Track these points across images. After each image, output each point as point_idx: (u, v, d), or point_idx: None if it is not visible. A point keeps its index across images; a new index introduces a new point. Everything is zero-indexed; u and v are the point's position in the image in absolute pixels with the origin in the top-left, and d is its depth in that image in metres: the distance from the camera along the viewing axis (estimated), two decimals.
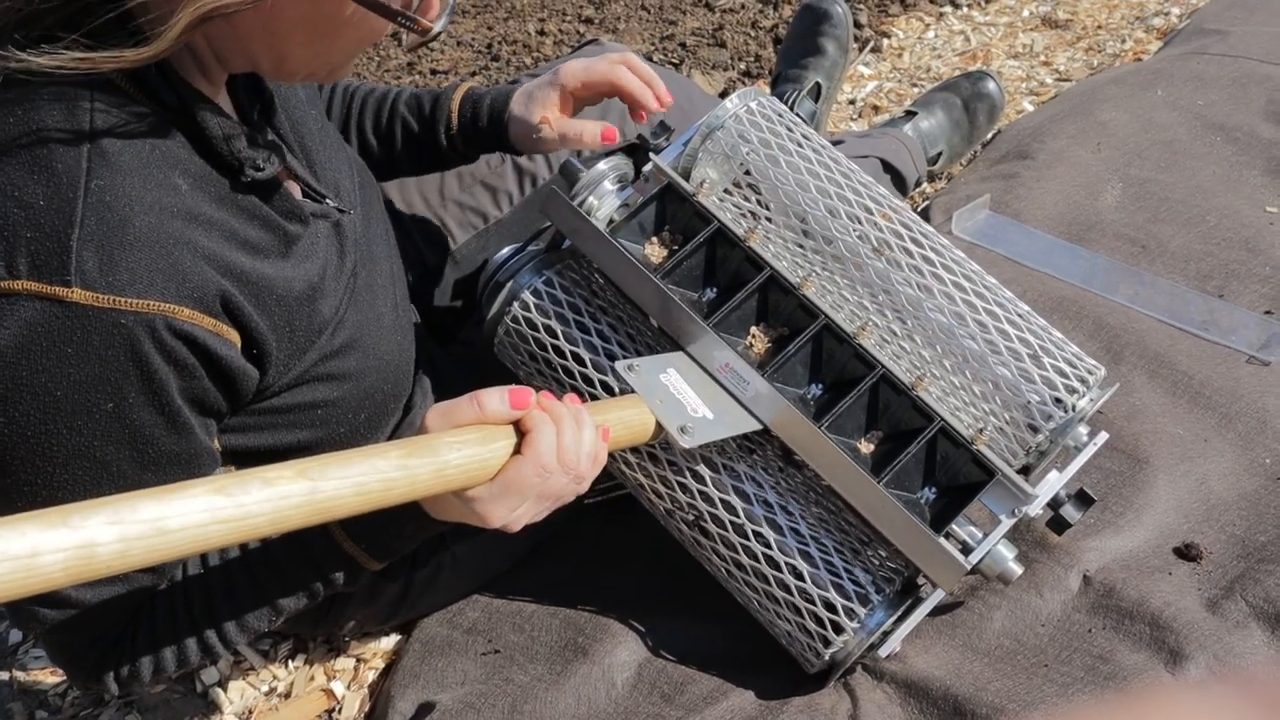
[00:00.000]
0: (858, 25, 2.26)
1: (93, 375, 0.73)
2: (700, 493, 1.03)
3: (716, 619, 1.13)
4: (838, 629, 0.99)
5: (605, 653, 1.10)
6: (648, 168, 1.11)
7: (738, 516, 1.02)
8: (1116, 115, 1.74)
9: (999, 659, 1.05)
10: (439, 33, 0.78)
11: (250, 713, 1.19)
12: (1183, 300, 1.42)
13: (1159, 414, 1.26)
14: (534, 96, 1.15)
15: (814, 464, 1.00)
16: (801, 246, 1.06)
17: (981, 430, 0.98)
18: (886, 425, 1.02)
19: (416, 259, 1.31)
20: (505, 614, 1.18)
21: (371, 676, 1.20)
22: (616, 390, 1.04)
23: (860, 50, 2.21)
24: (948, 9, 2.32)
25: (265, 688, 1.21)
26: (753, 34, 2.29)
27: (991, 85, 1.80)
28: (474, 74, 2.30)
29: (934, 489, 1.00)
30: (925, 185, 1.80)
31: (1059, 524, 1.07)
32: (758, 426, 1.01)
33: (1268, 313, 1.38)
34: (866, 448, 1.01)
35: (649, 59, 2.15)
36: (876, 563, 1.02)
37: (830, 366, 1.03)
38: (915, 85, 2.08)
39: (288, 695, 1.20)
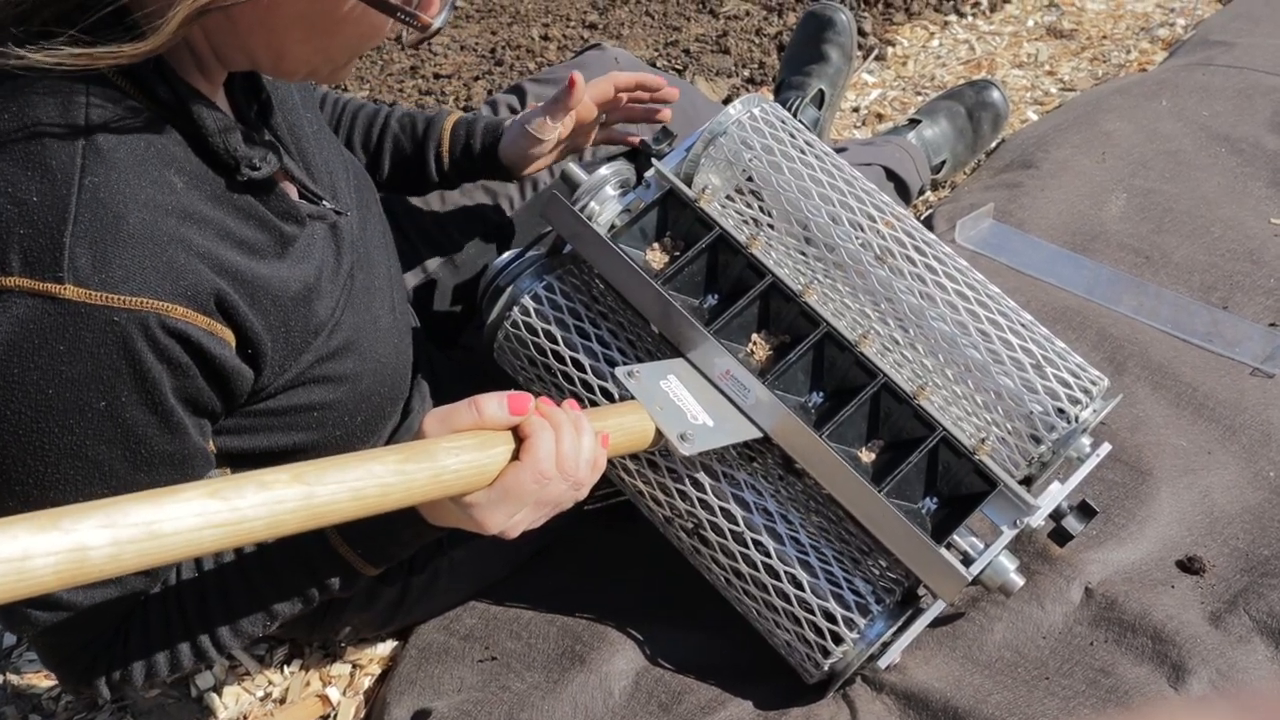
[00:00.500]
0: (862, 33, 2.25)
1: (85, 373, 0.73)
2: (699, 500, 1.02)
3: (715, 628, 1.12)
4: (837, 639, 0.98)
5: (603, 661, 1.09)
6: (649, 173, 1.10)
7: (737, 525, 1.01)
8: (1121, 125, 1.74)
9: (1000, 671, 1.04)
10: (439, 28, 0.78)
11: (245, 718, 1.18)
12: (1187, 311, 1.41)
13: (1162, 426, 1.26)
14: (529, 118, 1.18)
15: (814, 472, 0.99)
16: (803, 254, 1.05)
17: (983, 440, 0.98)
18: (888, 434, 1.01)
19: (416, 263, 1.31)
20: (503, 621, 1.17)
21: (367, 683, 1.19)
22: (616, 396, 1.03)
23: (864, 58, 2.21)
24: (952, 18, 2.32)
25: (260, 693, 1.20)
26: (757, 41, 2.29)
27: (996, 94, 1.79)
28: (477, 79, 2.30)
29: (935, 499, 0.99)
30: (929, 194, 1.79)
31: (1061, 535, 1.06)
32: (758, 434, 1.00)
33: (1272, 325, 1.38)
34: (867, 457, 1.01)
35: (653, 65, 2.15)
36: (877, 573, 1.01)
37: (832, 375, 1.02)
38: (919, 94, 2.08)
39: (283, 701, 1.19)
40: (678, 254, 1.08)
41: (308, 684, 1.20)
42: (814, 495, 1.04)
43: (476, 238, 1.34)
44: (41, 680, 1.24)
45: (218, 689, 1.20)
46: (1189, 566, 1.10)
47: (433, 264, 1.32)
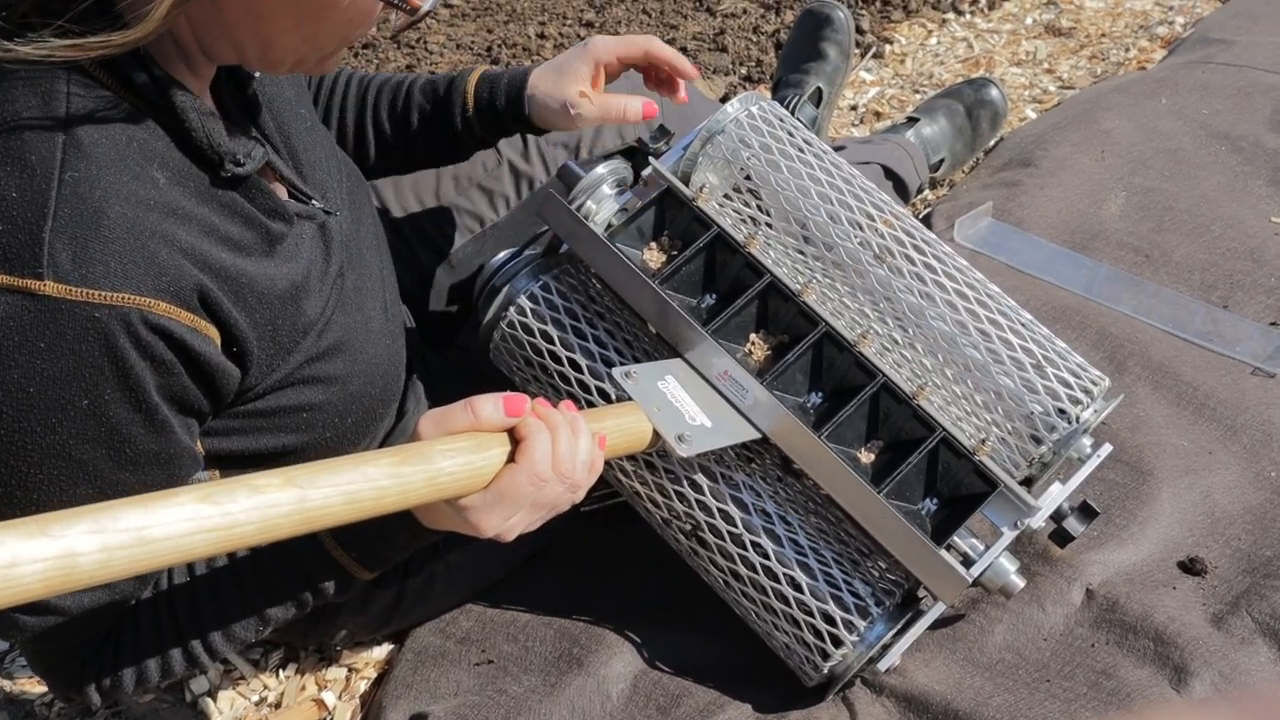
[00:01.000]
0: (860, 31, 2.24)
1: (66, 371, 0.72)
2: (698, 502, 1.01)
3: (714, 630, 1.11)
4: (837, 642, 0.97)
5: (600, 664, 1.08)
6: (647, 172, 1.09)
7: (735, 526, 1.00)
8: (1120, 124, 1.73)
9: (1000, 673, 1.03)
10: (428, 12, 0.77)
11: None
12: (1187, 310, 1.40)
13: (1163, 426, 1.25)
14: (564, 70, 1.11)
15: (813, 473, 0.98)
16: (802, 253, 1.05)
17: (984, 441, 0.97)
18: (887, 435, 1.00)
19: (412, 263, 1.30)
20: (499, 624, 1.16)
21: (363, 686, 1.18)
22: (614, 397, 1.02)
23: (862, 56, 2.20)
24: (951, 15, 2.31)
25: (255, 697, 1.19)
26: (754, 39, 2.28)
27: (994, 92, 1.79)
28: None
29: (935, 500, 0.98)
30: (927, 192, 1.78)
31: (1062, 537, 1.06)
32: (756, 435, 0.99)
33: (1273, 324, 1.37)
34: (867, 457, 1.00)
35: None
36: (876, 574, 1.00)
37: (830, 375, 1.02)
38: (918, 92, 2.07)
39: (278, 705, 1.18)
40: (675, 253, 1.07)
41: (303, 688, 1.19)
42: (813, 496, 1.04)
43: (472, 237, 1.33)
44: (35, 685, 1.23)
45: (212, 693, 1.19)
46: (1190, 568, 1.09)
47: (428, 263, 1.31)
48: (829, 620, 0.97)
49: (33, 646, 0.85)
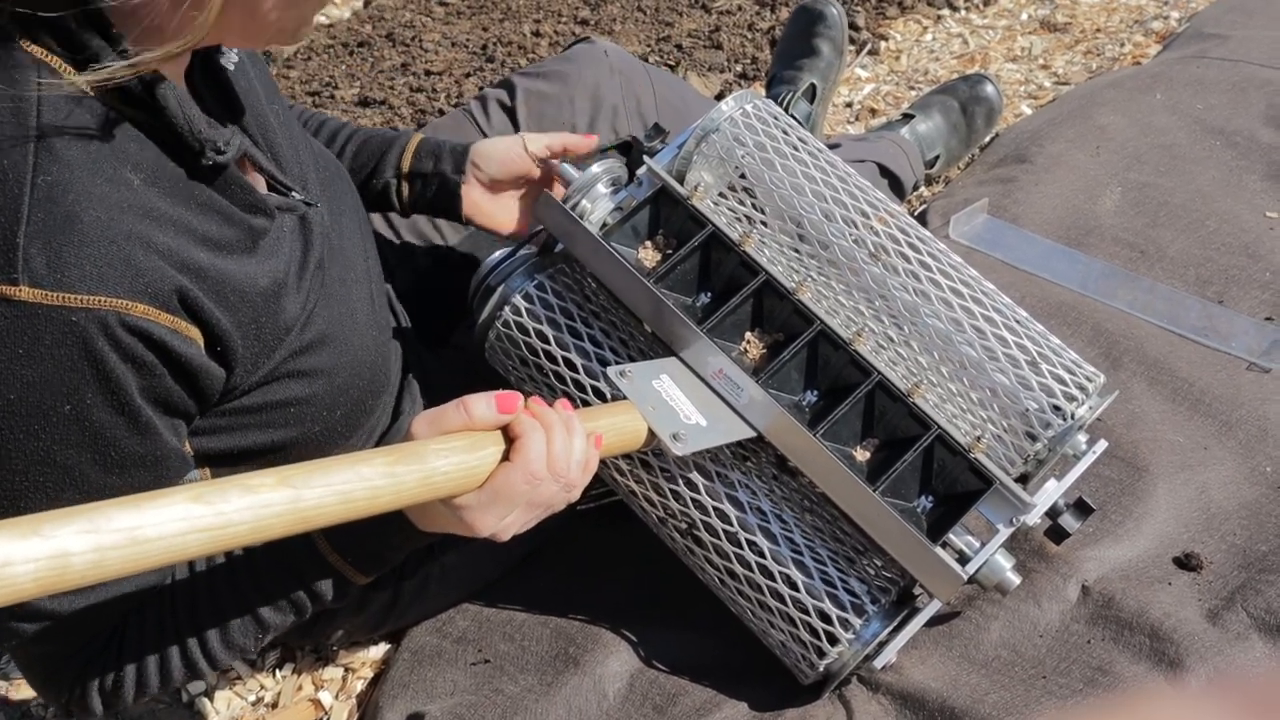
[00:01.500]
0: (855, 28, 2.24)
1: (46, 376, 0.71)
2: (693, 500, 1.01)
3: (710, 628, 1.11)
4: (832, 640, 0.97)
5: (597, 663, 1.08)
6: (641, 170, 1.09)
7: (730, 525, 1.00)
8: (1115, 119, 1.73)
9: (997, 670, 1.03)
10: None
11: None
12: (1182, 306, 1.40)
13: (1158, 421, 1.25)
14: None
15: (809, 471, 0.98)
16: (797, 251, 1.05)
17: (979, 438, 0.97)
18: (883, 432, 1.00)
19: (408, 261, 1.30)
20: (495, 623, 1.16)
21: (360, 686, 1.18)
22: (609, 396, 1.02)
23: (857, 53, 2.20)
24: (945, 11, 2.31)
25: (252, 697, 1.19)
26: (749, 36, 2.27)
27: (989, 88, 1.78)
28: (468, 75, 2.29)
29: (931, 497, 0.98)
30: (923, 189, 1.78)
31: (1057, 533, 1.06)
32: (752, 434, 0.99)
33: (1268, 319, 1.37)
34: (862, 455, 1.00)
35: (644, 60, 2.14)
36: (872, 572, 1.00)
37: (826, 373, 1.02)
38: (913, 88, 2.07)
39: (275, 705, 1.18)
40: (670, 252, 1.07)
41: (300, 688, 1.19)
42: (808, 495, 1.04)
43: (467, 234, 1.33)
44: (28, 688, 1.23)
45: (209, 694, 1.19)
46: (1186, 563, 1.10)
47: (424, 262, 1.31)
48: (824, 618, 0.97)
49: (28, 653, 0.85)
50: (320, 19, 2.84)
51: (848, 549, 1.01)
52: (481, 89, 2.19)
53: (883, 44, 2.23)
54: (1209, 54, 1.88)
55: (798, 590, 0.98)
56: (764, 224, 1.06)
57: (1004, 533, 0.96)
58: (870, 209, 1.03)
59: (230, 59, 0.92)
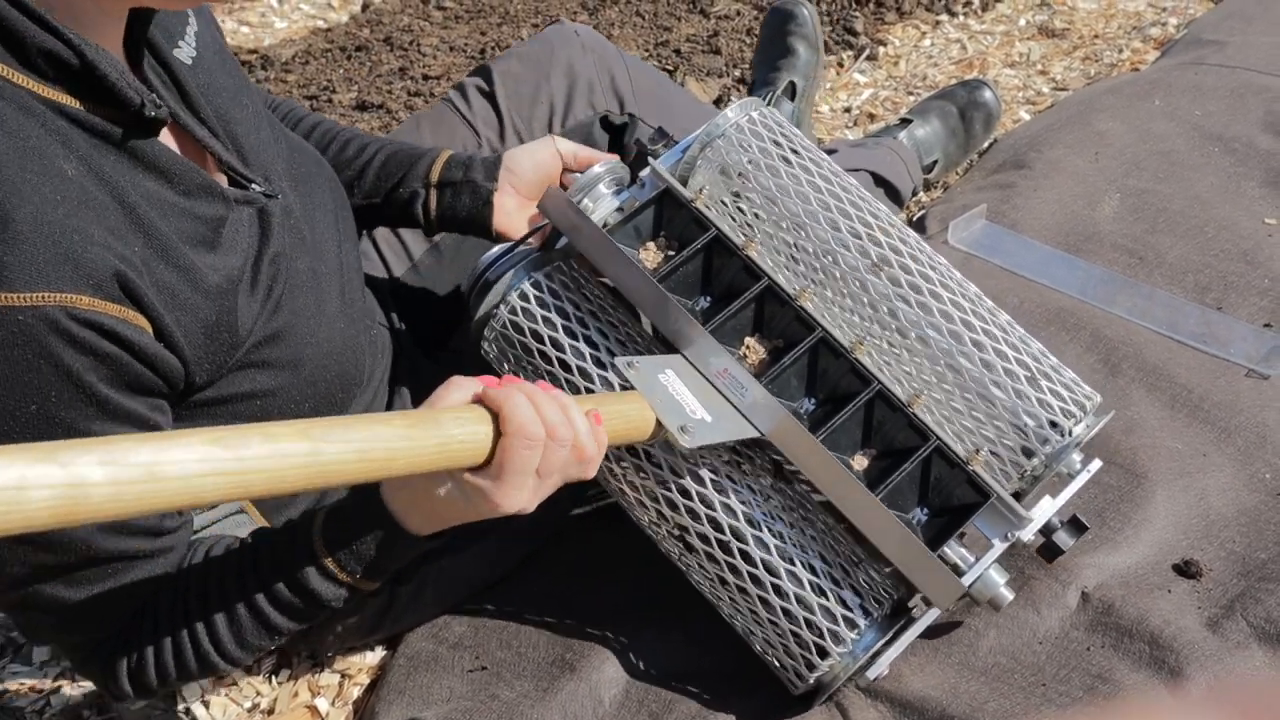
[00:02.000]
0: (853, 33, 2.24)
1: (5, 379, 0.71)
2: (686, 507, 1.00)
3: (707, 636, 1.11)
4: (823, 652, 0.97)
5: (593, 669, 1.08)
6: (645, 172, 1.09)
7: (723, 533, 0.99)
8: (1114, 125, 1.73)
9: (995, 678, 1.03)
10: None
11: None
12: (1181, 312, 1.40)
13: (1157, 428, 1.25)
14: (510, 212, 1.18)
15: (810, 475, 0.97)
16: (797, 260, 1.04)
17: (977, 451, 0.97)
18: (880, 443, 1.00)
19: (407, 259, 1.30)
20: (492, 629, 1.16)
21: (356, 693, 1.18)
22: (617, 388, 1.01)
23: (856, 58, 2.20)
24: (944, 17, 2.31)
25: (248, 704, 1.19)
26: (747, 40, 2.27)
27: (988, 94, 1.78)
28: None
29: (926, 510, 0.98)
30: (921, 194, 1.78)
31: (1050, 550, 1.04)
32: (755, 434, 0.98)
33: (1267, 325, 1.37)
34: (860, 464, 0.99)
35: None
36: (866, 584, 1.00)
37: (825, 381, 1.01)
38: (911, 93, 2.07)
39: (271, 712, 1.17)
40: (671, 253, 1.06)
41: (296, 694, 1.18)
42: (803, 503, 1.03)
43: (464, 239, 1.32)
44: (25, 691, 1.22)
45: (205, 701, 1.19)
46: (1186, 570, 1.09)
47: (417, 251, 1.31)
48: (815, 630, 0.97)
49: (60, 641, 0.86)
50: (318, 23, 2.84)
51: (841, 560, 1.00)
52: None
53: (881, 49, 2.23)
54: (1207, 60, 1.88)
55: (788, 600, 0.97)
56: (766, 232, 1.05)
57: (999, 547, 0.96)
58: (872, 219, 1.03)
59: (186, 53, 0.91)
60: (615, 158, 1.16)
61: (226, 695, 1.19)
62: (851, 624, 0.97)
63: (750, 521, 0.99)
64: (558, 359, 1.04)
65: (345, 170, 1.20)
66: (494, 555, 1.18)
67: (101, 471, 0.52)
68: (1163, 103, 1.77)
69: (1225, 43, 1.92)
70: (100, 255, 0.73)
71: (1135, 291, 1.44)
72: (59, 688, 1.22)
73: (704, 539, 1.00)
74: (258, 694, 1.19)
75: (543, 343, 1.05)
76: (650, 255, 1.07)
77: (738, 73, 2.18)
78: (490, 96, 1.38)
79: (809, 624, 0.97)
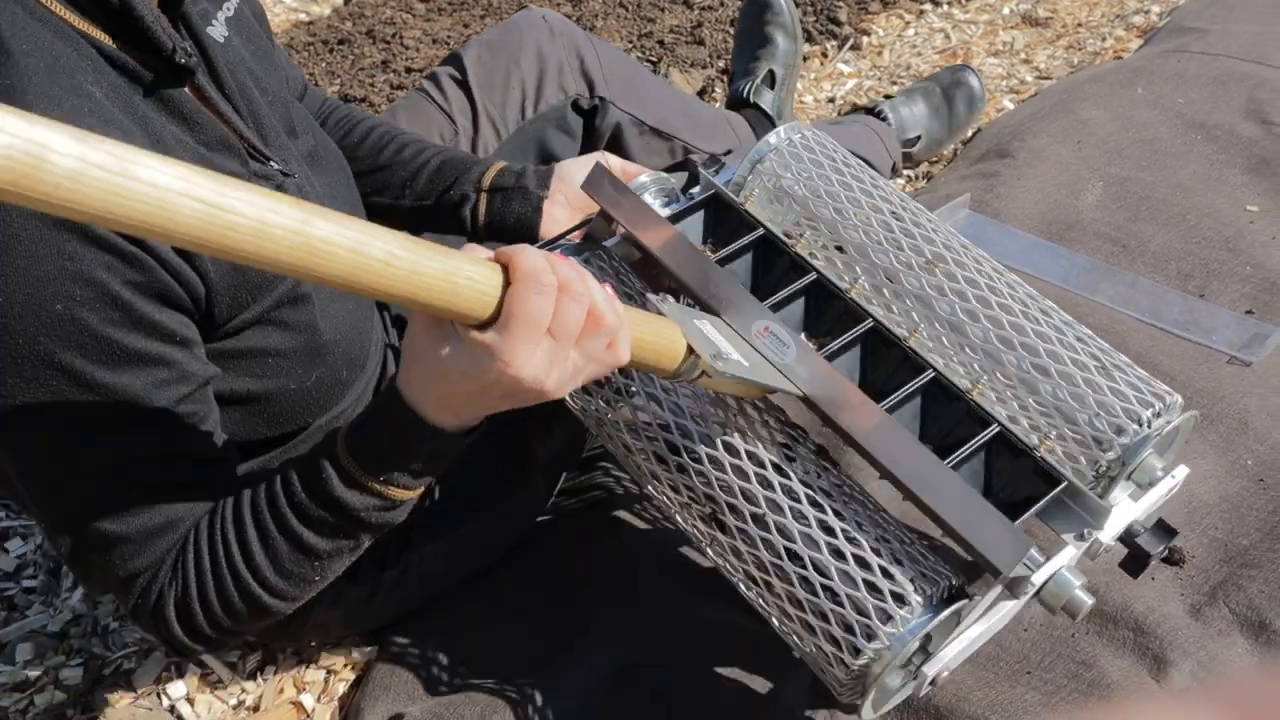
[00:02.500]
0: (836, 23, 2.24)
1: (29, 275, 0.72)
2: (719, 481, 0.92)
3: (692, 629, 1.11)
4: (869, 634, 0.83)
5: (579, 660, 1.08)
6: (694, 189, 1.09)
7: (759, 507, 0.90)
8: (1097, 113, 1.73)
9: (980, 665, 1.03)
10: None
11: None
12: (1163, 300, 1.41)
13: None
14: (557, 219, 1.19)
15: (859, 438, 0.87)
16: (846, 263, 1.02)
17: (1045, 437, 0.88)
18: (937, 433, 0.92)
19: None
20: (475, 621, 1.15)
21: (342, 689, 1.17)
22: (636, 389, 0.99)
23: (840, 48, 2.20)
24: (928, 6, 2.31)
25: (234, 701, 1.18)
26: (730, 31, 2.27)
27: (972, 77, 1.80)
28: None
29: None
30: (905, 185, 1.78)
31: (1136, 561, 0.90)
32: (793, 389, 0.91)
33: (1249, 312, 1.37)
34: None
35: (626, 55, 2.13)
36: (918, 562, 0.87)
37: (877, 371, 0.96)
38: (895, 83, 2.07)
39: (257, 708, 1.17)
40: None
41: (281, 690, 1.18)
42: (847, 483, 0.94)
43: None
44: (8, 690, 1.22)
45: (190, 698, 1.18)
46: (1169, 557, 1.10)
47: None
48: (860, 609, 0.84)
49: (106, 580, 0.86)
50: (300, 15, 2.82)
51: (890, 538, 0.88)
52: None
53: (865, 39, 2.22)
54: (1189, 48, 1.88)
55: (830, 578, 0.85)
56: (815, 230, 1.04)
57: (1073, 544, 0.85)
58: (926, 222, 1.02)
59: (219, 31, 0.93)
60: (662, 173, 1.17)
61: (212, 693, 1.19)
62: (901, 600, 0.83)
63: (789, 497, 0.90)
64: None
65: (400, 171, 1.22)
66: (478, 542, 1.18)
67: (70, 143, 0.47)
68: (1145, 91, 1.78)
69: (1207, 30, 1.92)
70: None
71: (1118, 280, 1.44)
72: (43, 687, 1.22)
73: (738, 518, 0.91)
74: (243, 691, 1.19)
75: None
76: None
77: (721, 64, 2.18)
78: (463, 84, 1.41)
79: (853, 601, 0.84)
